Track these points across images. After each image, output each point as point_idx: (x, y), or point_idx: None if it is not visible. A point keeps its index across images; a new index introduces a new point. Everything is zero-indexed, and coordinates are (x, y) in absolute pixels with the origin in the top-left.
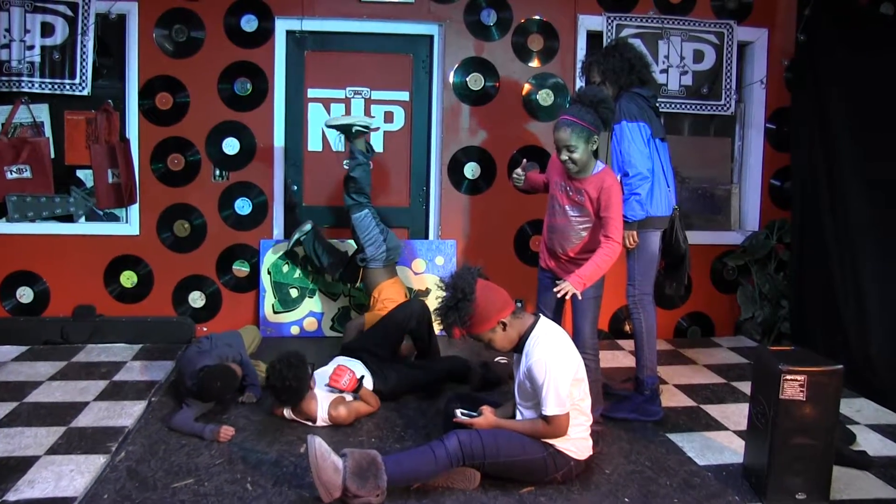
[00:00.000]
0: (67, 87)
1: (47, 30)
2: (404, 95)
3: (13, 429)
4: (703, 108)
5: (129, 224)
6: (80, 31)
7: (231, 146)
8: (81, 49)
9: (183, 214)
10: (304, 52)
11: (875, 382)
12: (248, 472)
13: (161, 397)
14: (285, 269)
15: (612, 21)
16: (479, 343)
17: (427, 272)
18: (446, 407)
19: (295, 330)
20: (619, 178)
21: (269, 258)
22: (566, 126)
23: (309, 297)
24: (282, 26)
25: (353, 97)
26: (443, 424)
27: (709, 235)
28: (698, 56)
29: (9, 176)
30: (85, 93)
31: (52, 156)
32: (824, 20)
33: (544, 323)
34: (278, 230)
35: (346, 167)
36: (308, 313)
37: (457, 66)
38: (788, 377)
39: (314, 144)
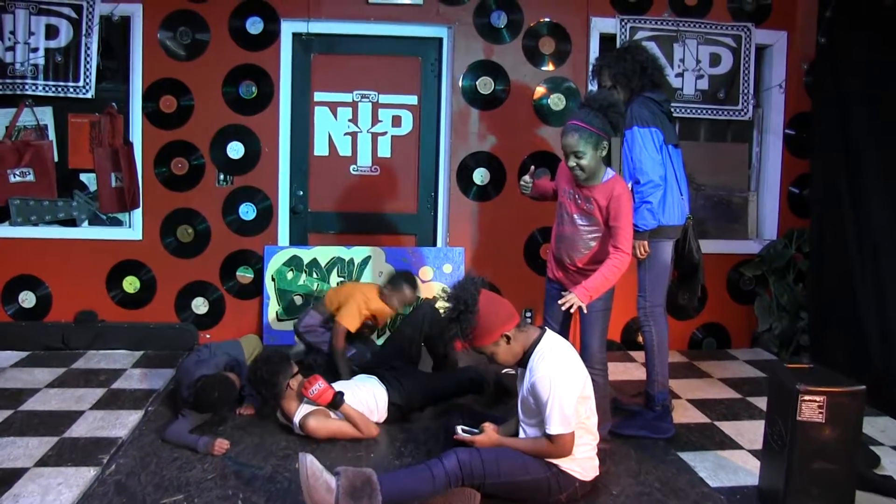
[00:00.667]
0: (71, 89)
1: (51, 32)
2: (412, 99)
3: (5, 439)
4: (720, 113)
5: (132, 229)
6: (84, 33)
7: (236, 150)
8: (85, 51)
9: (186, 219)
10: (310, 55)
11: None
12: (241, 489)
13: (158, 407)
14: (290, 275)
15: (626, 23)
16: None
17: (435, 280)
18: (447, 422)
19: None
20: (630, 185)
21: (273, 264)
22: (574, 131)
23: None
24: (288, 28)
25: (360, 101)
26: (443, 440)
27: (725, 244)
28: (714, 59)
29: (12, 179)
30: (89, 95)
31: (56, 159)
32: (845, 22)
33: (550, 337)
34: (283, 236)
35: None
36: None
37: (466, 69)
38: (806, 398)
39: (320, 149)
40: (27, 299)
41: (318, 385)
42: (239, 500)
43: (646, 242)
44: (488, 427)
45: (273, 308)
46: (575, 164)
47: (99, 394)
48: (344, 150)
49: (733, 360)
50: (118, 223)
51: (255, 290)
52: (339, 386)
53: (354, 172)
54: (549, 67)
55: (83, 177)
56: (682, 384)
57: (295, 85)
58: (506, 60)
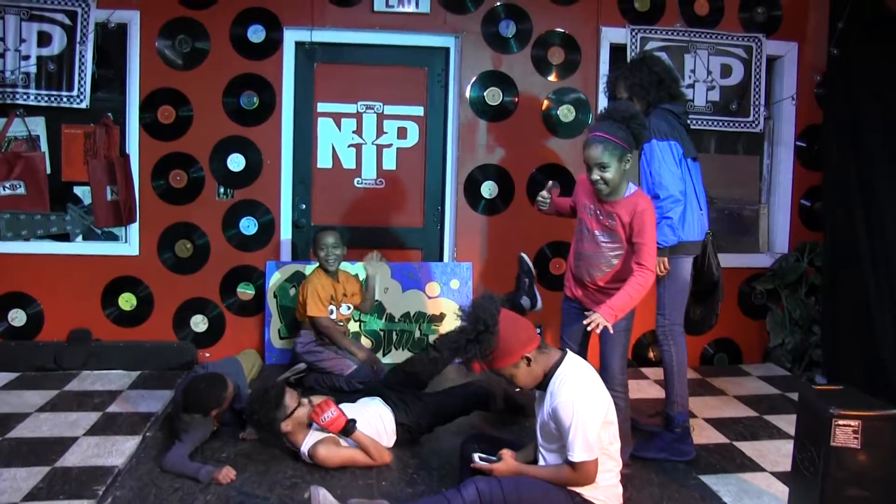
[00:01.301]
0: (65, 99)
1: (44, 39)
2: (419, 110)
3: None
4: (731, 124)
5: (128, 244)
6: (78, 40)
7: (236, 162)
8: (80, 60)
9: (185, 234)
10: (313, 65)
11: None
12: None
13: (156, 432)
14: (292, 292)
15: (637, 34)
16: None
17: (442, 296)
18: (462, 448)
19: None
20: None
21: (275, 281)
22: (598, 143)
23: None
24: (290, 37)
25: (364, 112)
26: (458, 467)
27: (736, 258)
28: (726, 70)
29: (1, 192)
30: (83, 105)
31: (48, 171)
32: (858, 33)
33: (571, 359)
34: (285, 251)
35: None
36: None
37: (474, 79)
38: (841, 422)
39: (324, 161)
40: (17, 317)
41: (331, 412)
42: None
43: (665, 259)
44: (506, 454)
45: (275, 326)
46: (598, 178)
47: (93, 418)
48: (348, 162)
49: (746, 376)
50: (114, 238)
51: (256, 307)
52: (346, 409)
53: (359, 185)
54: (559, 78)
55: (77, 190)
56: (698, 402)
57: (298, 95)
58: (514, 71)
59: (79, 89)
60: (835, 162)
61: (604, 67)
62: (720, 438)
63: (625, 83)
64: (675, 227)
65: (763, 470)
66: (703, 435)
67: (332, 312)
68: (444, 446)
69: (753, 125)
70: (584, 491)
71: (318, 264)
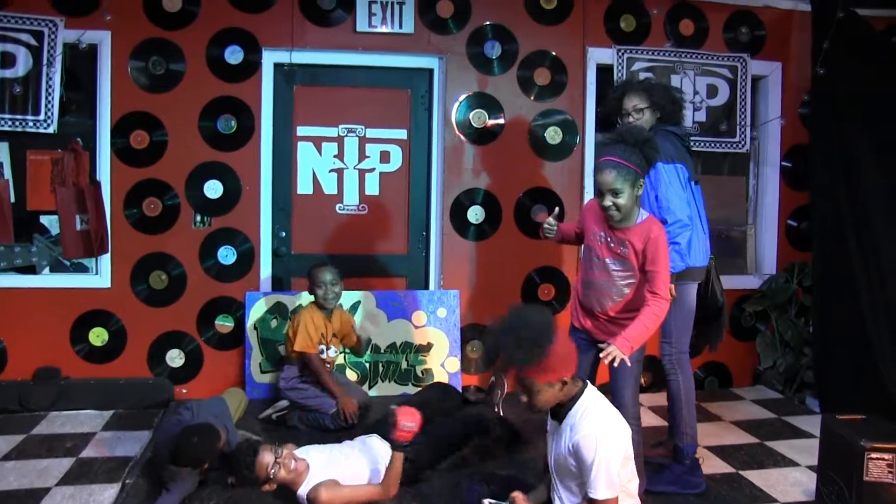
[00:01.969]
0: (31, 123)
1: (8, 60)
2: (402, 133)
3: None
4: (718, 145)
5: (99, 275)
6: (45, 62)
7: (213, 189)
8: (47, 82)
9: (160, 265)
10: (293, 87)
11: None
12: None
13: (137, 478)
14: (274, 324)
15: (623, 54)
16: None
17: (429, 325)
18: (469, 490)
19: None
20: None
21: (255, 312)
22: (611, 168)
23: None
24: (269, 58)
25: (346, 136)
26: None
27: (725, 280)
28: (712, 91)
29: None
30: (50, 130)
31: (13, 199)
32: (843, 52)
33: (591, 391)
34: (265, 281)
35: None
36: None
37: (459, 101)
38: (874, 455)
39: (304, 187)
40: None
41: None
42: None
43: (672, 286)
44: (519, 498)
45: (256, 359)
46: (611, 204)
47: (66, 465)
48: (329, 187)
49: (740, 399)
50: (84, 269)
51: (236, 340)
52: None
53: (341, 212)
54: (545, 99)
55: (44, 219)
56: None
57: (277, 119)
58: (500, 92)
59: (46, 113)
60: (823, 182)
61: (591, 88)
62: (726, 468)
63: (644, 95)
64: (682, 253)
65: (774, 500)
66: (709, 464)
67: (321, 352)
68: (445, 482)
69: (740, 145)
70: None
71: (313, 298)
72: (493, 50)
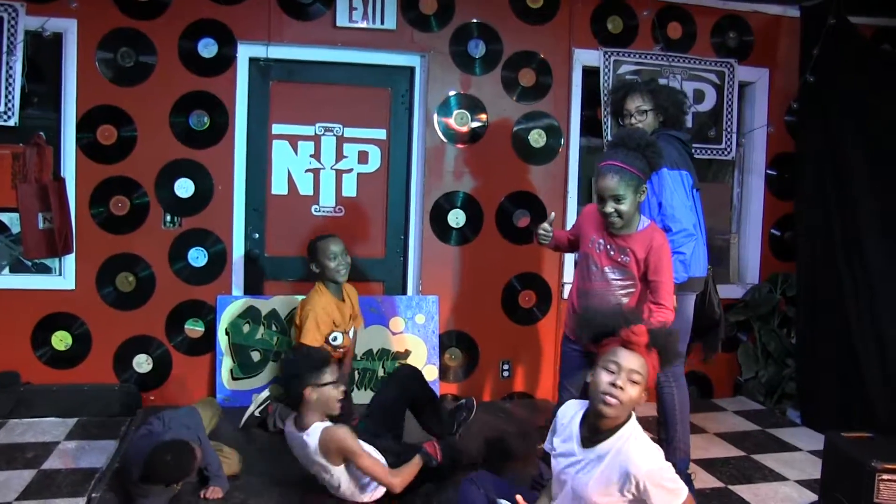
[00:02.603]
0: None
1: None
2: (381, 133)
3: None
4: (705, 152)
5: (62, 277)
6: (5, 50)
7: (184, 188)
8: (7, 72)
9: (127, 266)
10: (269, 83)
11: None
12: None
13: (104, 492)
14: (246, 328)
15: (610, 56)
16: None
17: (407, 332)
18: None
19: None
20: None
21: (226, 316)
22: (613, 173)
23: (273, 360)
24: (245, 53)
25: (323, 134)
26: None
27: None
28: (699, 96)
29: None
30: (11, 123)
31: None
32: (834, 59)
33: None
34: (238, 284)
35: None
36: (272, 379)
37: (441, 101)
38: (885, 476)
39: (279, 187)
40: None
41: None
42: None
43: (674, 297)
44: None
45: (227, 366)
46: (613, 210)
47: (27, 477)
48: (305, 188)
49: (721, 411)
50: (46, 270)
51: (206, 345)
52: None
53: (316, 213)
54: (529, 101)
55: (3, 216)
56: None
57: (251, 116)
58: (483, 93)
59: (6, 105)
60: (810, 191)
61: (576, 91)
62: (714, 482)
63: (649, 97)
64: (686, 263)
65: None
66: (698, 479)
67: (335, 339)
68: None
69: (726, 152)
70: None
71: (319, 281)
72: (477, 49)
